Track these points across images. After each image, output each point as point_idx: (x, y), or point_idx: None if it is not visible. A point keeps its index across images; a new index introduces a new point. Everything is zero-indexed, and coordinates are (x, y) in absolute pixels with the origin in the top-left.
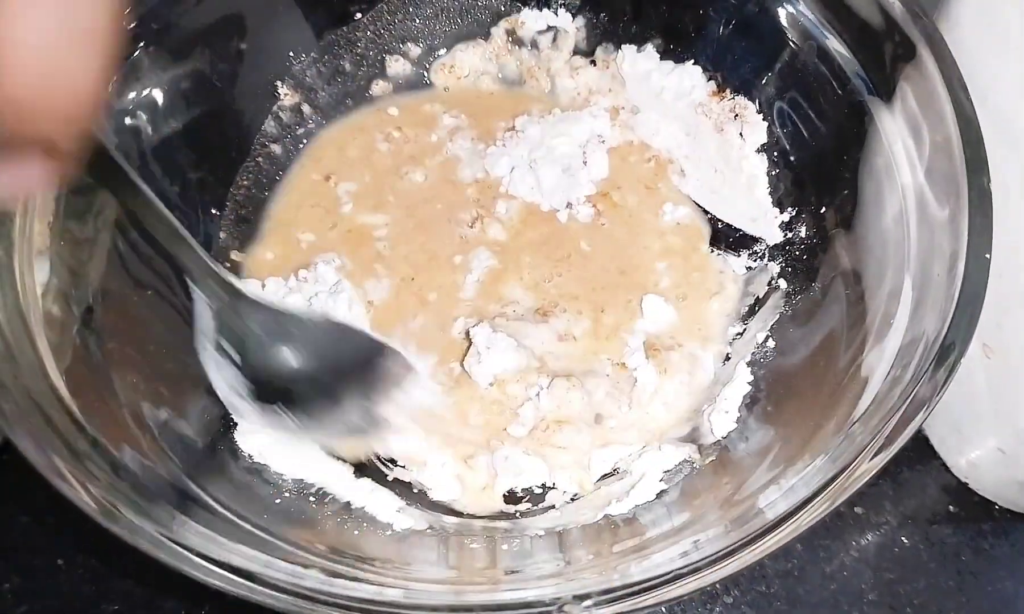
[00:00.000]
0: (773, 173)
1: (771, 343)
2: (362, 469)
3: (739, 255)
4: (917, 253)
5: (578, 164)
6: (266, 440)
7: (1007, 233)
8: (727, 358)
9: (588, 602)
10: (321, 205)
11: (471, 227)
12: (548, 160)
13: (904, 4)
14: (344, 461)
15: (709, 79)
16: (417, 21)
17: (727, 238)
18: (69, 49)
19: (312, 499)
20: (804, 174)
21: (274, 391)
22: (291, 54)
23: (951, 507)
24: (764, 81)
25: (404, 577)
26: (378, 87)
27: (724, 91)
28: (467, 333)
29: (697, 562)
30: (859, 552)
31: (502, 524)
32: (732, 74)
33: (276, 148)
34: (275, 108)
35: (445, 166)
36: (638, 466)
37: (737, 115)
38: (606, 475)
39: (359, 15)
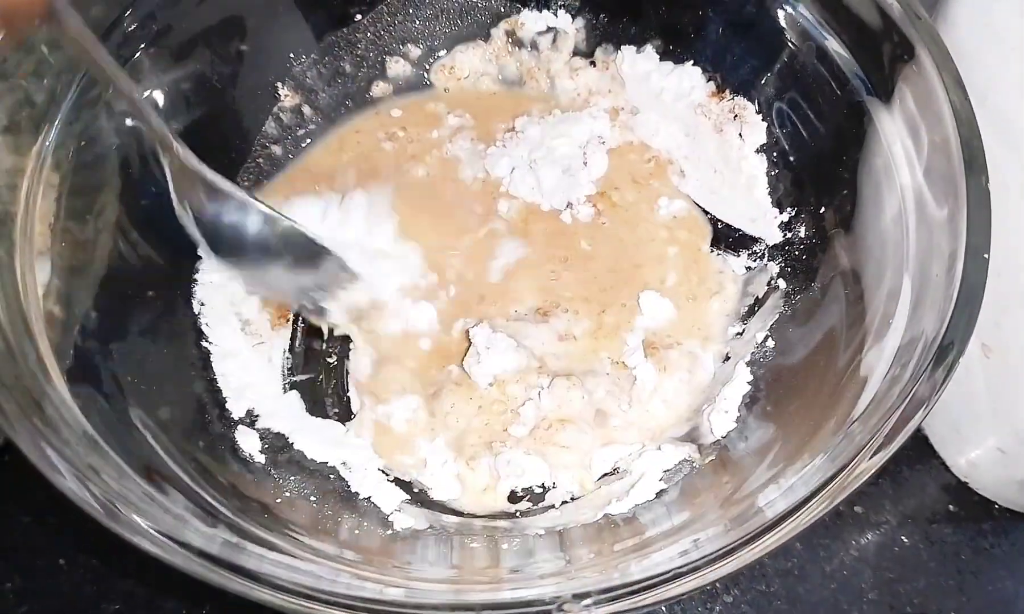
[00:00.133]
0: (772, 173)
1: (770, 343)
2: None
3: (738, 255)
4: (916, 253)
5: (578, 164)
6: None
7: (1006, 233)
8: (726, 358)
9: (588, 601)
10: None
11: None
12: (548, 160)
13: (902, 5)
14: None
15: (708, 80)
16: (417, 22)
17: (726, 238)
18: None
19: (313, 499)
20: (803, 174)
21: (226, 249)
22: (291, 55)
23: (951, 506)
24: (763, 82)
25: (405, 576)
26: (378, 88)
27: (723, 92)
28: (466, 333)
29: (697, 561)
30: (859, 551)
31: (502, 523)
32: (731, 75)
33: (276, 149)
34: (275, 109)
35: (445, 165)
36: (638, 465)
37: (736, 116)
38: (606, 474)
39: (359, 16)
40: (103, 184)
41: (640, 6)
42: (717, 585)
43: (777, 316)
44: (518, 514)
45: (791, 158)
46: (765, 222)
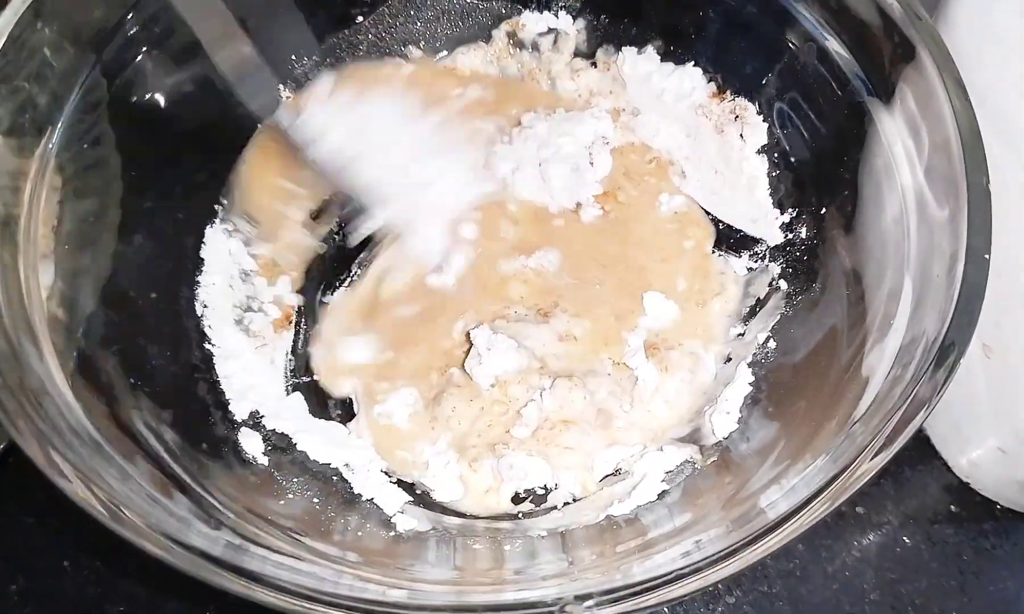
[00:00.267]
0: (773, 174)
1: (772, 344)
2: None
3: (740, 256)
4: (917, 253)
5: (585, 164)
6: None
7: (1006, 233)
8: (728, 359)
9: (590, 602)
10: None
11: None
12: (556, 159)
13: (903, 6)
14: None
15: (709, 81)
16: (418, 24)
17: (728, 239)
18: None
19: (316, 501)
20: (804, 175)
21: None
22: (293, 57)
23: (952, 507)
24: (764, 82)
25: (408, 578)
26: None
27: (724, 93)
28: (467, 335)
29: (699, 562)
30: (861, 552)
31: (505, 525)
32: (732, 76)
33: None
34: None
35: None
36: (640, 467)
37: (737, 116)
38: (608, 475)
39: (360, 18)
40: (106, 187)
41: (641, 7)
42: (719, 586)
43: (779, 317)
44: (520, 515)
45: (792, 159)
46: (766, 223)
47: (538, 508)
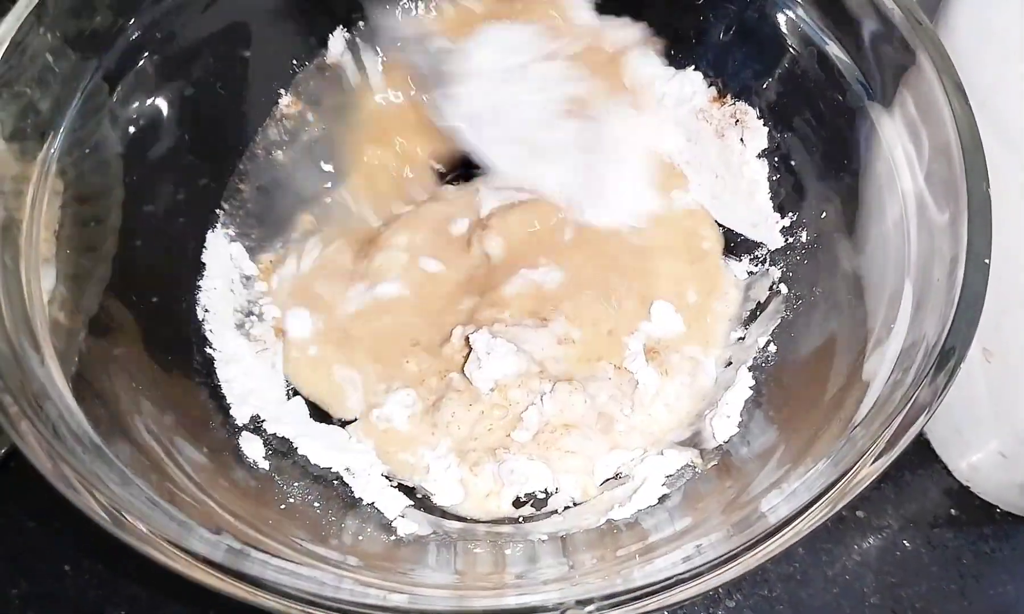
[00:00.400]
0: (774, 178)
1: (772, 348)
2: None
3: (740, 260)
4: (917, 257)
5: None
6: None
7: (1006, 236)
8: (728, 363)
9: (591, 607)
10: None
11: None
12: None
13: (903, 10)
14: None
15: (710, 85)
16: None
17: (728, 243)
18: None
19: (317, 505)
20: (805, 179)
21: None
22: (294, 61)
23: (952, 510)
24: (765, 86)
25: (409, 582)
26: (380, 95)
27: (725, 97)
28: (466, 340)
29: (700, 566)
30: (861, 555)
31: (505, 529)
32: (733, 80)
33: (279, 154)
34: (279, 114)
35: None
36: (640, 471)
37: (738, 121)
38: (608, 479)
39: (362, 24)
40: (107, 191)
41: (641, 11)
42: (719, 590)
43: (779, 321)
44: (521, 519)
45: (792, 163)
46: (767, 227)
47: (539, 512)
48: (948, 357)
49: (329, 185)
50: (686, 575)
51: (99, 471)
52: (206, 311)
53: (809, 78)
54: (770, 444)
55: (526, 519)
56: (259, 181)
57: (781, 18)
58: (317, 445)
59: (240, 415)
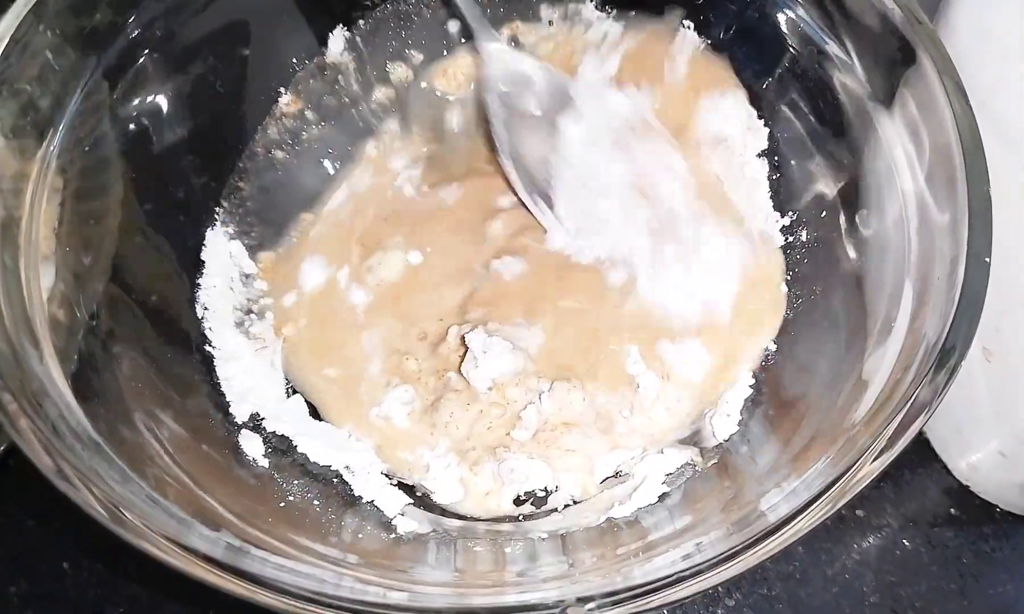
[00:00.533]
0: (774, 177)
1: (772, 346)
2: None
3: None
4: (917, 257)
5: None
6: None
7: (1006, 237)
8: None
9: (591, 605)
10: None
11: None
12: None
13: (903, 10)
14: None
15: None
16: (420, 28)
17: None
18: None
19: (317, 503)
20: (804, 178)
21: None
22: (294, 60)
23: (952, 510)
24: (765, 86)
25: (409, 580)
26: (380, 93)
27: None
28: (462, 339)
29: (700, 564)
30: (861, 555)
31: (505, 527)
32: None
33: (279, 153)
34: (278, 114)
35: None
36: (640, 469)
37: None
38: (608, 478)
39: (362, 22)
40: (107, 188)
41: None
42: (719, 589)
43: (780, 319)
44: (521, 517)
45: (792, 162)
46: (767, 226)
47: (539, 510)
48: (948, 356)
49: (328, 184)
50: (686, 573)
51: (98, 468)
52: (205, 309)
53: (809, 77)
54: (770, 442)
55: (526, 517)
56: (259, 179)
57: (781, 18)
58: (316, 443)
59: (239, 413)
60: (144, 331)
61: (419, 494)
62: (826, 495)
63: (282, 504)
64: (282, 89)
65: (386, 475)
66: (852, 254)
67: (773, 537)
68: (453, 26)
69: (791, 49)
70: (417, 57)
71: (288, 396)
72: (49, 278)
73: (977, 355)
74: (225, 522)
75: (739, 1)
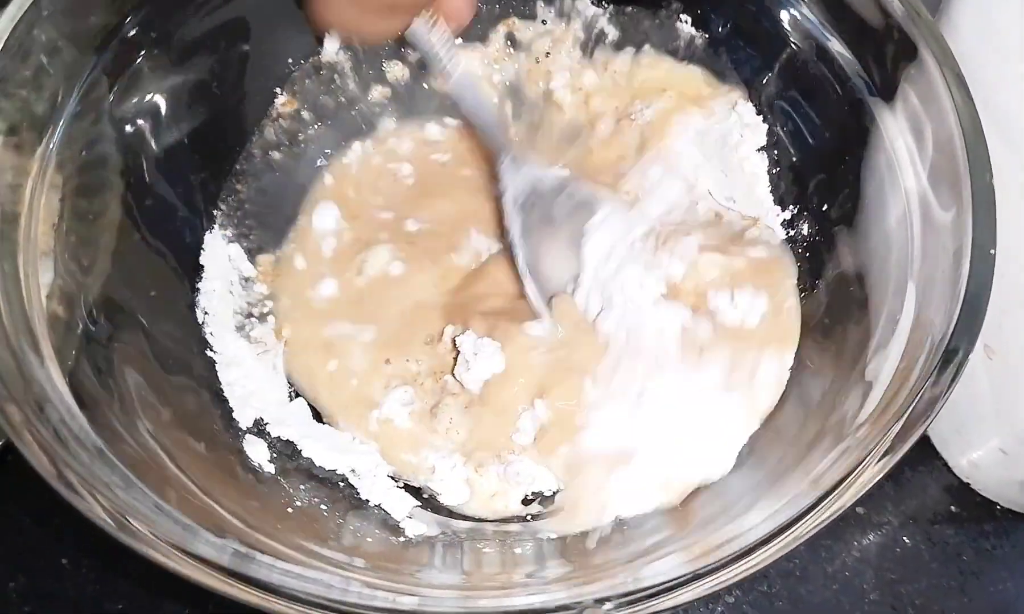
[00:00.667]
0: (774, 171)
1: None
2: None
3: None
4: (921, 251)
5: None
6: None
7: (1008, 236)
8: None
9: (608, 605)
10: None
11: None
12: None
13: (905, 4)
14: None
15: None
16: None
17: None
18: None
19: (324, 507)
20: (805, 172)
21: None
22: (290, 60)
23: (953, 507)
24: (764, 81)
25: (417, 583)
26: (377, 92)
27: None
28: (453, 342)
29: (713, 563)
30: (861, 552)
31: (513, 527)
32: (732, 75)
33: (276, 154)
34: (275, 114)
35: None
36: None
37: (738, 115)
38: None
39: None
40: (106, 185)
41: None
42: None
43: None
44: (529, 517)
45: (793, 157)
46: (768, 220)
47: (547, 510)
48: (953, 355)
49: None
50: (702, 571)
51: (102, 475)
52: (206, 314)
53: (809, 72)
54: (774, 443)
55: (534, 517)
56: (256, 182)
57: (780, 13)
58: (321, 447)
59: (243, 418)
60: (144, 336)
61: (426, 496)
62: (831, 495)
63: (289, 510)
64: (278, 89)
65: (392, 478)
66: (854, 250)
67: (779, 537)
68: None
69: (792, 45)
70: (414, 55)
71: (291, 400)
72: (48, 274)
73: (979, 353)
74: (232, 528)
75: None
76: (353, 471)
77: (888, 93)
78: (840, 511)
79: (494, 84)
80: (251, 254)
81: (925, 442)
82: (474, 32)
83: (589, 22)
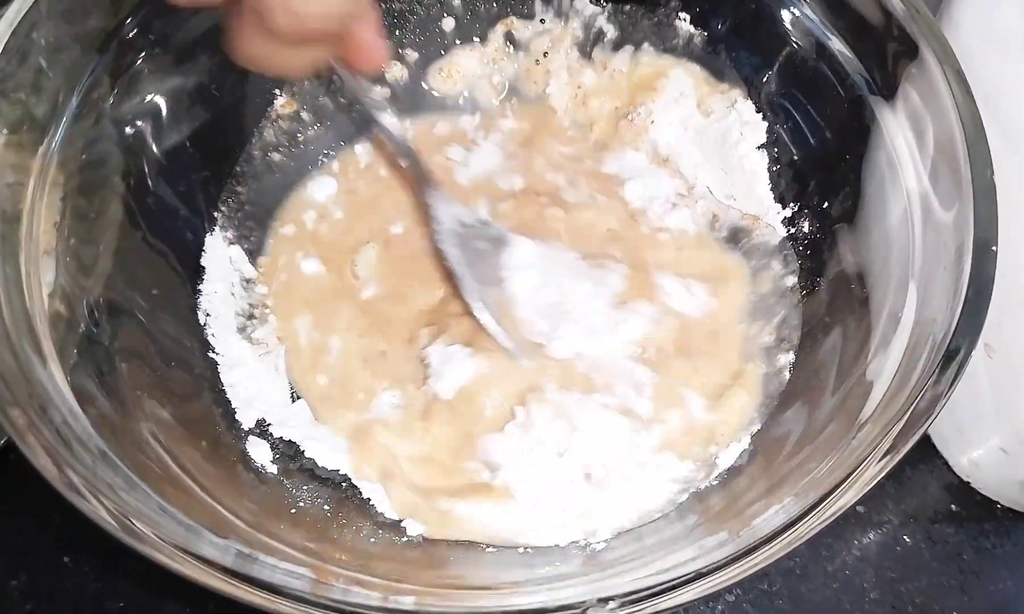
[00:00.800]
0: (774, 169)
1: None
2: None
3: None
4: (922, 249)
5: None
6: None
7: (1008, 235)
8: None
9: (612, 604)
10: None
11: None
12: None
13: (905, 3)
14: None
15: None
16: (415, 26)
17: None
18: None
19: (327, 508)
20: (805, 170)
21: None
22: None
23: (953, 506)
24: (764, 79)
25: (421, 584)
26: (376, 92)
27: (725, 89)
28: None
29: (716, 562)
30: (861, 551)
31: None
32: (733, 73)
33: (276, 155)
34: (274, 115)
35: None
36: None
37: (737, 113)
38: None
39: None
40: (107, 183)
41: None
42: None
43: (783, 314)
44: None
45: (793, 154)
46: (768, 218)
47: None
48: (954, 354)
49: (326, 185)
50: (705, 570)
51: (105, 477)
52: (207, 315)
53: (810, 71)
54: (775, 442)
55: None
56: (257, 183)
57: (780, 11)
58: (323, 447)
59: (246, 419)
60: (146, 338)
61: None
62: (832, 495)
63: (293, 510)
64: (277, 91)
65: None
66: (855, 247)
67: (782, 536)
68: (448, 24)
69: (792, 43)
70: (412, 55)
71: (293, 400)
72: (50, 273)
73: (979, 351)
74: (234, 529)
75: None
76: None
77: (889, 91)
78: (841, 510)
79: (493, 84)
80: (252, 256)
81: (925, 441)
82: (473, 32)
83: (588, 21)
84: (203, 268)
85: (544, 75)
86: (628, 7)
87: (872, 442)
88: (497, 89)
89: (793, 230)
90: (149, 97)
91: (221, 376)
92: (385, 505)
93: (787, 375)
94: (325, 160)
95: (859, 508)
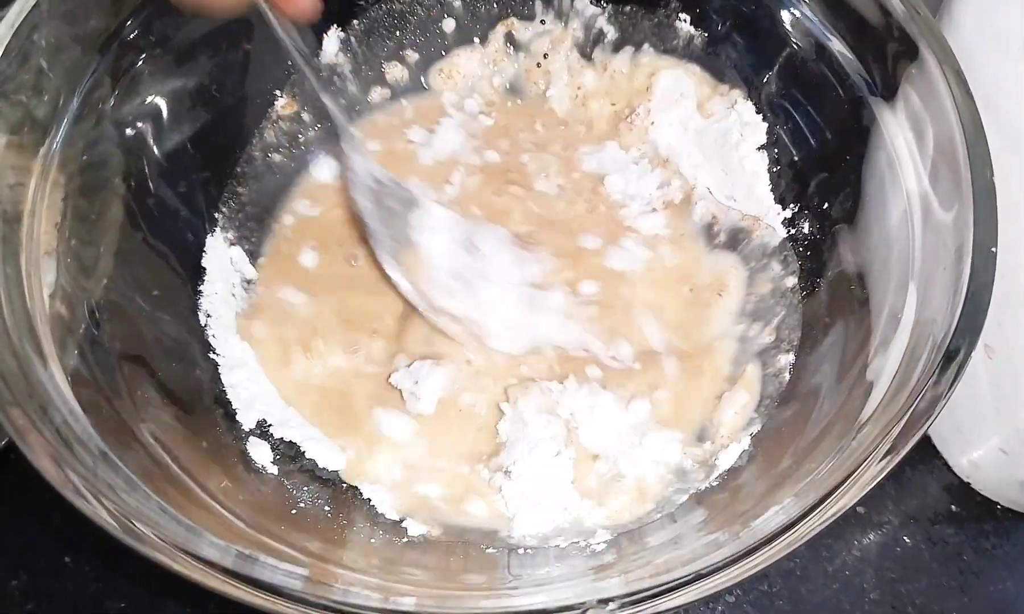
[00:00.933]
0: (774, 170)
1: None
2: None
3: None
4: (922, 249)
5: None
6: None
7: (1008, 235)
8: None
9: (612, 605)
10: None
11: None
12: None
13: (905, 4)
14: None
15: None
16: (415, 27)
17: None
18: None
19: (328, 509)
20: (806, 171)
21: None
22: (290, 62)
23: (953, 507)
24: (765, 80)
25: (421, 585)
26: (376, 93)
27: (725, 90)
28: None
29: (717, 563)
30: (861, 551)
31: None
32: (733, 73)
33: (276, 156)
34: (275, 116)
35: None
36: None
37: (737, 114)
38: None
39: (356, 22)
40: (108, 184)
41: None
42: None
43: (783, 314)
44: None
45: (793, 155)
46: (768, 218)
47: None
48: (954, 355)
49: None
50: (704, 571)
51: (106, 478)
52: (208, 316)
53: (809, 72)
54: (775, 443)
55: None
56: (258, 183)
57: (782, 12)
58: (323, 448)
59: (246, 420)
60: (147, 338)
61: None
62: (832, 496)
63: (293, 511)
64: (278, 91)
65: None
66: (855, 248)
67: (782, 537)
68: (448, 25)
69: (792, 44)
70: (413, 56)
71: None
72: (51, 274)
73: (979, 352)
74: (235, 530)
75: None
76: None
77: (889, 92)
78: (841, 511)
79: (494, 86)
80: (252, 256)
81: (925, 441)
82: (473, 33)
83: (588, 22)
84: (204, 269)
85: (544, 76)
86: (628, 8)
87: (872, 443)
88: (497, 90)
89: (793, 231)
90: (150, 98)
91: (222, 377)
92: (385, 505)
93: (787, 376)
94: (326, 161)
95: (859, 509)
